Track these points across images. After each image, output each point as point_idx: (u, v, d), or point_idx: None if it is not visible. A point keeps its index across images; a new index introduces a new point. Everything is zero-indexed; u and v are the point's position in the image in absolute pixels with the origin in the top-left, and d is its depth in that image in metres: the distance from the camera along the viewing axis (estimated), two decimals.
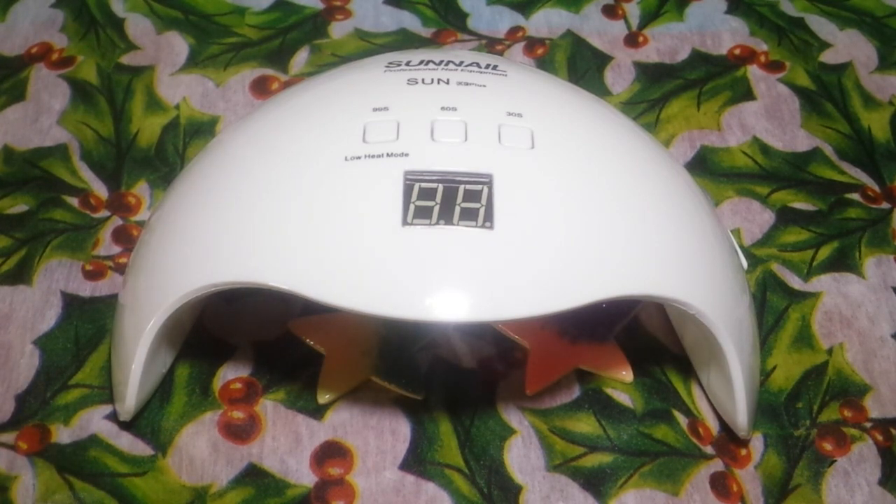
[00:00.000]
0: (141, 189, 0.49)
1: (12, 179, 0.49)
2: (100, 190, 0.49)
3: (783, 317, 0.45)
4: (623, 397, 0.43)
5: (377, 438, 0.41)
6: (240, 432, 0.41)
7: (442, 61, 0.41)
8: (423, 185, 0.35)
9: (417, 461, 0.41)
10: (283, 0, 0.58)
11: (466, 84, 0.39)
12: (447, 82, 0.39)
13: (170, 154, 0.50)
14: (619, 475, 0.41)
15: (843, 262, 0.47)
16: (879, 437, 0.42)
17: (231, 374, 0.43)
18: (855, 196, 0.50)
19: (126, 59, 0.55)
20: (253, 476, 0.40)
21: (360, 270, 0.34)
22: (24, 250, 0.46)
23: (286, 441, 0.41)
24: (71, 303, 0.45)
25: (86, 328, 0.44)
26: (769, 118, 0.53)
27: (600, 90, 0.54)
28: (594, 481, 0.40)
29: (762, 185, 0.50)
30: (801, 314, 0.46)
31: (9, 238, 0.47)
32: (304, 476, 0.40)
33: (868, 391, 0.43)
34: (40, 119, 0.52)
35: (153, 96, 0.53)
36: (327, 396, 0.42)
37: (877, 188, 0.51)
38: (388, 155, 0.36)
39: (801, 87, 0.55)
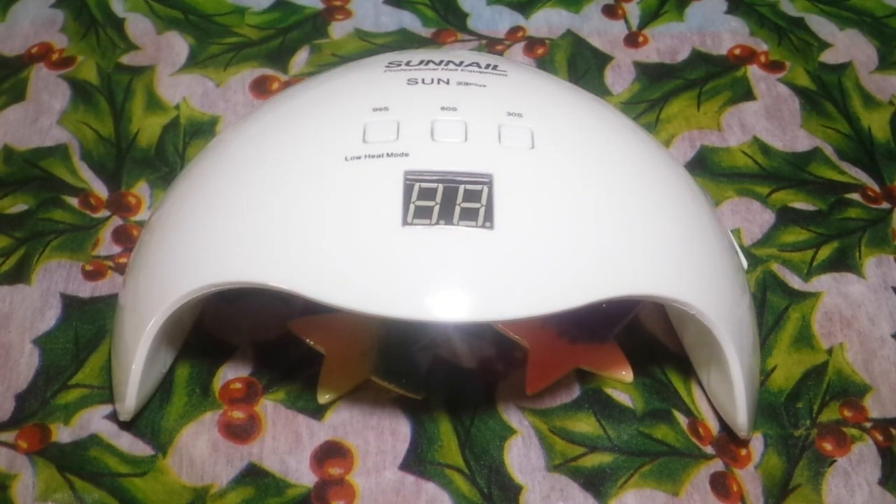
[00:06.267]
0: (141, 189, 0.49)
1: (12, 179, 0.49)
2: (100, 190, 0.49)
3: (783, 317, 0.45)
4: (623, 397, 0.43)
5: (377, 438, 0.41)
6: (240, 432, 0.41)
7: (442, 61, 0.41)
8: (423, 184, 0.35)
9: (417, 461, 0.41)
10: (283, 0, 0.58)
11: (466, 84, 0.39)
12: (447, 82, 0.39)
13: (170, 154, 0.50)
14: (619, 475, 0.41)
15: (843, 262, 0.47)
16: (879, 437, 0.42)
17: (231, 374, 0.43)
18: (855, 196, 0.50)
19: (126, 59, 0.55)
20: (253, 476, 0.40)
21: (360, 270, 0.34)
22: (22, 249, 0.46)
23: (286, 441, 0.41)
24: (70, 303, 0.45)
25: (86, 328, 0.44)
26: (769, 118, 0.53)
27: (600, 90, 0.54)
28: (594, 481, 0.40)
29: (762, 185, 0.50)
30: (801, 314, 0.46)
31: (8, 238, 0.47)
32: (304, 476, 0.40)
33: (868, 391, 0.43)
34: (40, 119, 0.52)
35: (153, 96, 0.53)
36: (327, 396, 0.42)
37: (877, 188, 0.50)
38: (388, 155, 0.36)
39: (801, 87, 0.55)
